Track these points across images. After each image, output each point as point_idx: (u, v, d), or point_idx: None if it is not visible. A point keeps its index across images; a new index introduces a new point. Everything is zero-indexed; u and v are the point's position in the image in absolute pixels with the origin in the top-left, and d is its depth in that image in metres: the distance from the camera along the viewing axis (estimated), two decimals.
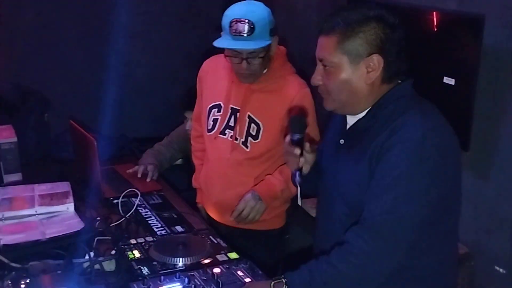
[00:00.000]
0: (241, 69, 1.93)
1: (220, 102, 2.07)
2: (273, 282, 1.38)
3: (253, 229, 2.07)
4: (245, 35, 1.85)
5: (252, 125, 2.01)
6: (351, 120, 1.45)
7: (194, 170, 2.37)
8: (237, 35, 1.86)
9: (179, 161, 3.02)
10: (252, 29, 1.84)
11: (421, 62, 2.12)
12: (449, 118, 1.37)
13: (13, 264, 1.59)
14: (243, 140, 2.02)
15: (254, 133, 2.01)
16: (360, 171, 1.36)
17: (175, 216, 2.03)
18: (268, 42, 1.89)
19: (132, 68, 3.28)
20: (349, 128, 1.45)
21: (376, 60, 1.33)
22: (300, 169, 1.53)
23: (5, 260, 1.59)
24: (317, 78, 1.41)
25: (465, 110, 2.03)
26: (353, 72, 1.35)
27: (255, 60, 1.91)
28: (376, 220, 1.29)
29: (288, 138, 1.53)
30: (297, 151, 1.51)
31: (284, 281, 1.37)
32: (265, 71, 1.99)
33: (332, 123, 1.59)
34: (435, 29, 2.14)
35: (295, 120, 1.54)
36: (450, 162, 1.32)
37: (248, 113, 2.01)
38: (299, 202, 1.66)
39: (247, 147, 2.02)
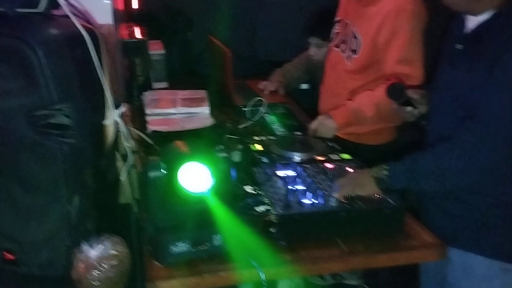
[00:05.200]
0: None
1: (341, 17, 2.18)
2: (376, 169, 1.48)
3: (353, 141, 2.15)
4: None
5: (354, 39, 2.08)
6: (471, 23, 1.44)
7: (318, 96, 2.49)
8: None
9: (305, 86, 3.15)
10: None
11: None
12: None
13: (156, 147, 1.88)
14: (348, 54, 2.11)
15: (354, 48, 2.08)
16: (478, 74, 1.37)
17: (297, 124, 2.19)
18: None
19: None
20: (469, 33, 1.45)
21: None
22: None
23: (151, 142, 1.89)
24: None
25: None
26: None
27: None
28: (490, 115, 1.32)
29: (394, 104, 1.59)
30: (408, 108, 1.57)
31: (386, 167, 1.46)
32: None
33: (448, 31, 1.58)
34: None
35: (392, 90, 1.58)
36: None
37: (353, 27, 2.08)
38: None
39: (349, 61, 2.10)
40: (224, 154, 1.40)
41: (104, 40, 1.49)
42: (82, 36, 1.35)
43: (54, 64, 1.24)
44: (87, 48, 1.37)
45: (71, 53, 1.31)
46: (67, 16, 1.37)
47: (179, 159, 1.30)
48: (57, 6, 1.38)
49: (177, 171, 1.29)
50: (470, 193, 1.46)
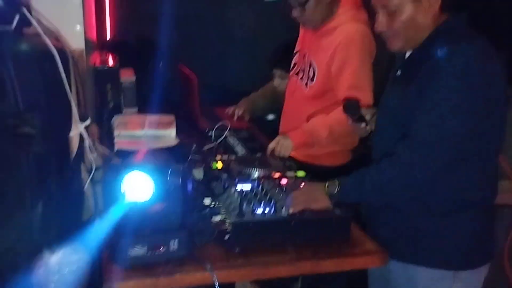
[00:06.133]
0: (296, 17, 2.19)
1: (299, 48, 2.36)
2: (327, 184, 1.59)
3: (310, 163, 2.27)
4: None
5: (311, 68, 2.25)
6: (409, 52, 1.59)
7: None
8: None
9: (271, 116, 3.28)
10: None
11: None
12: None
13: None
14: (306, 81, 2.28)
15: (311, 76, 2.25)
16: (409, 93, 1.51)
17: (259, 147, 2.30)
18: None
19: (236, 26, 3.60)
20: (406, 59, 1.60)
21: None
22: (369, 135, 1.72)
23: (116, 159, 1.97)
24: (381, 25, 1.54)
25: None
26: (417, 9, 1.48)
27: (300, 8, 2.14)
28: (422, 133, 1.45)
29: (349, 120, 1.72)
30: (362, 124, 1.71)
31: (337, 182, 1.57)
32: (331, 16, 2.18)
33: (396, 60, 1.74)
34: None
35: (348, 105, 1.72)
36: (493, 90, 1.44)
37: (310, 57, 2.26)
38: None
39: (306, 88, 2.27)
40: (176, 167, 1.50)
41: (73, 59, 1.60)
42: (51, 52, 1.45)
43: (22, 76, 1.33)
44: (56, 64, 1.47)
45: (40, 67, 1.41)
46: (38, 35, 1.47)
47: (126, 167, 1.40)
48: (29, 24, 1.48)
49: (123, 178, 1.39)
50: (406, 204, 1.57)
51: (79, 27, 2.16)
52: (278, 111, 3.02)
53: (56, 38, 1.62)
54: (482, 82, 1.42)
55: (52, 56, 1.46)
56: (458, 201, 1.53)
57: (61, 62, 1.48)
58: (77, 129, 1.56)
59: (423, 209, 1.56)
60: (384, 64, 1.92)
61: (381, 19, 1.54)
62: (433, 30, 1.51)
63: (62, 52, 1.51)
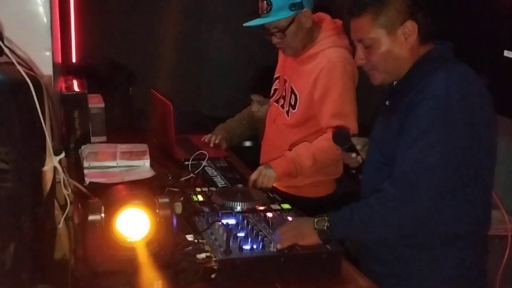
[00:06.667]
0: (275, 43, 2.29)
1: (279, 74, 2.44)
2: (316, 219, 1.65)
3: (293, 194, 2.34)
4: (265, 11, 2.20)
5: (292, 95, 2.33)
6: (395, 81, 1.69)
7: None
8: (260, 13, 2.22)
9: (248, 143, 3.35)
10: (269, 6, 2.19)
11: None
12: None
13: (94, 198, 1.98)
14: (287, 109, 2.36)
15: (293, 103, 2.33)
16: (393, 126, 1.60)
17: (239, 177, 2.36)
18: (284, 16, 2.20)
19: (211, 50, 3.69)
20: (392, 89, 1.70)
21: (411, 25, 1.58)
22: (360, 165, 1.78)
23: (88, 194, 1.99)
24: (360, 58, 1.65)
25: None
26: (393, 42, 1.60)
27: (280, 34, 2.23)
28: (405, 170, 1.54)
29: (339, 150, 1.80)
30: (353, 154, 1.78)
31: (326, 218, 1.63)
32: (311, 43, 2.28)
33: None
34: None
35: (338, 135, 1.79)
36: (478, 115, 1.53)
37: (291, 83, 2.35)
38: None
39: (288, 115, 2.35)
40: (166, 200, 1.54)
41: (46, 89, 1.63)
42: (25, 82, 1.49)
43: None
44: (30, 95, 1.50)
45: (14, 99, 1.44)
46: (11, 63, 1.51)
47: (119, 203, 1.43)
48: (1, 53, 1.52)
49: (116, 215, 1.42)
50: (395, 239, 1.64)
51: (48, 53, 2.21)
52: (255, 138, 3.11)
53: (29, 67, 1.66)
54: (464, 108, 1.51)
55: (27, 86, 1.49)
56: (448, 234, 1.61)
57: (35, 92, 1.52)
58: (51, 163, 1.59)
59: (413, 243, 1.64)
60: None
61: (359, 53, 1.65)
62: (417, 61, 1.61)
63: (36, 81, 1.55)
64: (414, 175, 1.52)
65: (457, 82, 1.53)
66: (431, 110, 1.51)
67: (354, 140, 1.80)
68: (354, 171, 1.86)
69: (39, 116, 1.52)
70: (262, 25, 2.26)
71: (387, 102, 1.71)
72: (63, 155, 1.66)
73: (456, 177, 1.55)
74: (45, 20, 2.20)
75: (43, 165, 1.58)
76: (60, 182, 1.68)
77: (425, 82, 1.54)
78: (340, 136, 1.78)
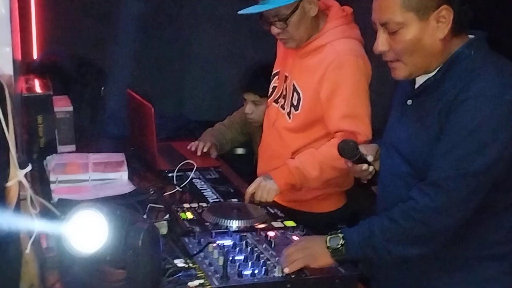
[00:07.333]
0: (276, 34, 2.23)
1: (279, 69, 2.39)
2: (328, 237, 1.61)
3: (298, 209, 2.28)
4: None
5: (294, 94, 2.28)
6: (420, 79, 1.65)
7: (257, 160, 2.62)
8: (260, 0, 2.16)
9: (241, 150, 3.30)
10: None
11: None
12: None
13: (63, 217, 1.92)
14: (288, 110, 2.30)
15: (295, 103, 2.28)
16: (427, 128, 1.56)
17: (232, 190, 2.31)
18: (286, 2, 2.14)
19: (194, 42, 3.63)
20: (418, 87, 1.65)
21: (446, 12, 1.52)
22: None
23: (57, 212, 1.93)
24: (382, 44, 1.57)
25: None
26: (423, 29, 1.53)
27: (280, 24, 2.17)
28: (443, 176, 1.49)
29: (348, 163, 1.75)
30: (364, 166, 1.73)
31: (340, 235, 1.59)
32: (317, 32, 2.23)
33: (399, 87, 1.80)
34: None
35: (344, 148, 1.72)
36: None
37: (292, 80, 2.29)
38: None
39: (290, 117, 2.30)
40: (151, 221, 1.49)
41: (8, 91, 1.57)
42: None
43: None
44: None
45: None
46: None
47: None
48: None
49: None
50: (418, 258, 1.59)
51: (8, 49, 2.14)
52: (249, 145, 3.07)
53: None
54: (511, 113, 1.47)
55: None
56: (481, 256, 1.58)
57: None
58: (16, 178, 1.53)
59: (437, 266, 1.60)
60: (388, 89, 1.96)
61: (381, 38, 1.59)
62: (451, 55, 1.57)
63: None
64: (454, 181, 1.48)
65: (509, 82, 1.50)
66: (479, 110, 1.47)
67: (363, 149, 1.75)
68: (365, 181, 1.82)
69: (0, 123, 1.46)
70: (260, 13, 2.21)
71: (408, 101, 1.66)
72: (29, 168, 1.60)
73: (504, 189, 1.52)
74: (3, 10, 2.13)
75: (6, 180, 1.53)
76: (26, 199, 1.62)
77: (471, 79, 1.50)
78: (347, 148, 1.73)
